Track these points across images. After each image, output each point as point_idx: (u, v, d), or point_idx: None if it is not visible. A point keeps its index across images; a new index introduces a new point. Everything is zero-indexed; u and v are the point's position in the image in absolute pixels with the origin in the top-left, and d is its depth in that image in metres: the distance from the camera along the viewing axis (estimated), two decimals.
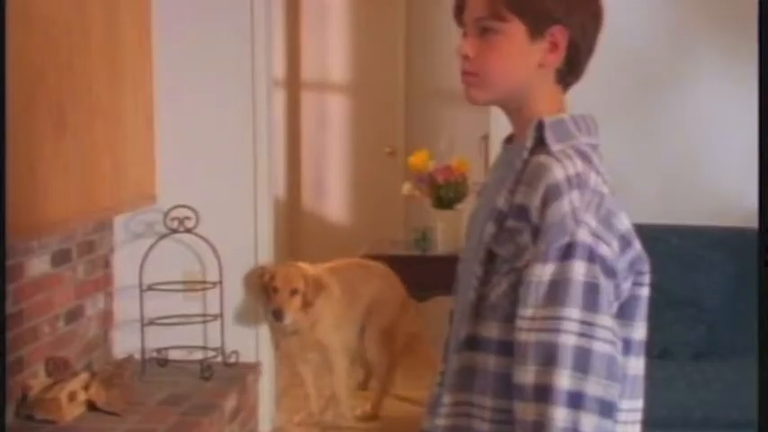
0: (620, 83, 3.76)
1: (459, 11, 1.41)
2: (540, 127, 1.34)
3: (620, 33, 3.74)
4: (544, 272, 1.26)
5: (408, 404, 4.18)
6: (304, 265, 3.90)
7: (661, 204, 3.74)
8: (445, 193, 4.22)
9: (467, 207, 4.10)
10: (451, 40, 1.54)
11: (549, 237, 1.25)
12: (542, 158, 1.30)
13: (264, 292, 3.76)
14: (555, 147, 1.32)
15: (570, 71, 1.39)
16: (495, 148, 3.75)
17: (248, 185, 3.85)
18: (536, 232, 1.27)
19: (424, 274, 4.24)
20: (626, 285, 1.33)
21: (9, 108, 2.46)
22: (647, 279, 1.36)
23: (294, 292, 3.72)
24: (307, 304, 3.76)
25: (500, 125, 1.71)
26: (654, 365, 1.42)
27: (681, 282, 3.42)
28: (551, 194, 1.26)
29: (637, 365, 1.36)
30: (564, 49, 1.36)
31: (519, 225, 1.29)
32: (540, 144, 1.33)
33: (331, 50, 5.89)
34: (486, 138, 4.26)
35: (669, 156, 3.84)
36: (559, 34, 1.35)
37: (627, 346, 1.33)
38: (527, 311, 1.26)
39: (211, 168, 3.83)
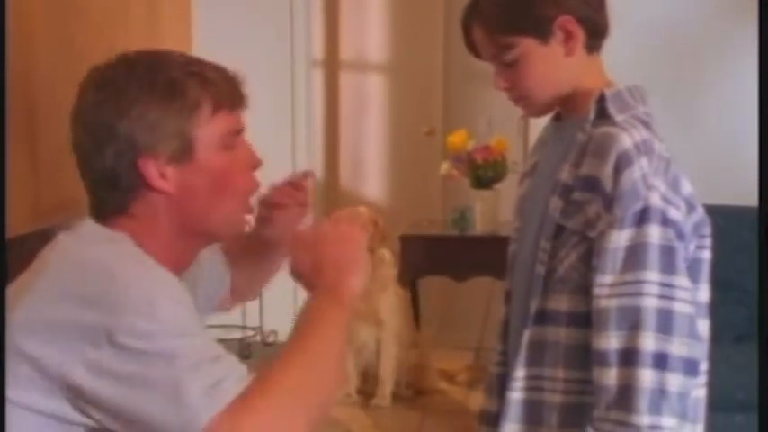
0: (663, 62, 3.70)
1: (474, 53, 1.44)
2: (602, 99, 1.35)
3: (664, 12, 3.69)
4: (620, 238, 1.27)
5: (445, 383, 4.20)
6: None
7: (706, 184, 3.67)
8: (484, 172, 4.20)
9: (505, 187, 4.08)
10: None
11: (624, 203, 1.27)
12: (608, 129, 1.32)
13: None
14: (618, 117, 1.33)
15: (595, 35, 1.40)
16: (534, 128, 3.73)
17: (287, 165, 3.87)
18: (609, 201, 1.28)
19: (462, 254, 4.23)
20: (691, 248, 1.34)
21: (53, 93, 2.49)
22: (708, 242, 1.39)
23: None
24: (369, 249, 3.87)
25: None
26: None
27: (724, 264, 3.34)
28: (622, 162, 1.27)
29: (703, 327, 1.39)
30: (578, 29, 1.37)
31: (587, 196, 1.30)
32: (600, 117, 1.34)
33: (370, 30, 5.87)
34: (525, 117, 4.23)
35: (715, 135, 3.78)
36: (566, 23, 1.36)
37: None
38: (605, 278, 1.27)
39: None
